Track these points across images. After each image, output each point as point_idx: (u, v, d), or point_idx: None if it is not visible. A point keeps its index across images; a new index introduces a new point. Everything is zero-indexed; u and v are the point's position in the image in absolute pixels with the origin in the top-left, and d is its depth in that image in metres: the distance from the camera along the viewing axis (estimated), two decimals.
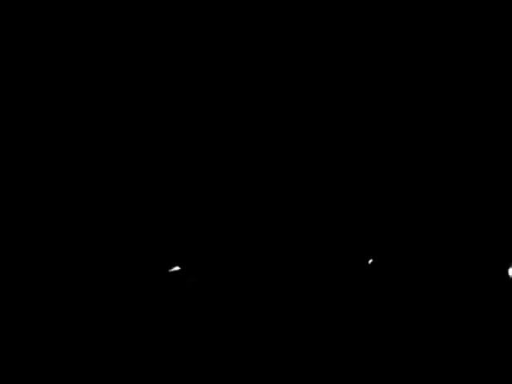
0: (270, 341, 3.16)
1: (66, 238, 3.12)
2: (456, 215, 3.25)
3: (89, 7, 3.36)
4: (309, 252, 3.49)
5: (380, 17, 3.21)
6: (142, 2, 3.34)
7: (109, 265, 3.16)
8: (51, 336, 2.88)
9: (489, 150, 3.12)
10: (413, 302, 3.12)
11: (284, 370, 3.07)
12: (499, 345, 2.78)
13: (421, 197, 3.28)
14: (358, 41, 3.22)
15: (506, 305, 2.94)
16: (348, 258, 3.41)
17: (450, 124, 3.24)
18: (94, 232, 3.16)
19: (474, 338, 2.89)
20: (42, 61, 3.32)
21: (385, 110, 3.24)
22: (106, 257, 3.19)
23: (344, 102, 3.27)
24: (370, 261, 3.38)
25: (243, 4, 3.36)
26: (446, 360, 2.86)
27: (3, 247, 3.01)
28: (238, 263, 3.34)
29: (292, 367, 3.08)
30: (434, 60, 3.21)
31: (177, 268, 3.42)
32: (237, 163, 3.50)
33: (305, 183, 3.44)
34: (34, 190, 3.14)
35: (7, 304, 2.86)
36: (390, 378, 2.91)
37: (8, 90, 3.19)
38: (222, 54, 3.40)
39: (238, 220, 3.45)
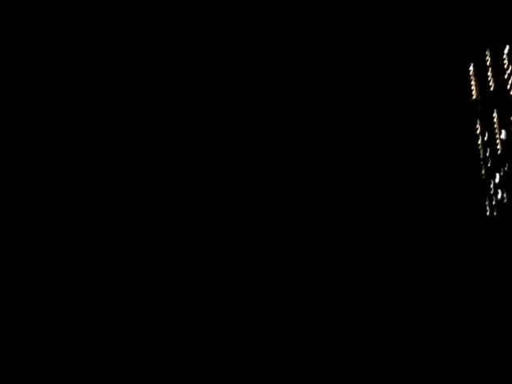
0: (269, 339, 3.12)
1: (66, 238, 3.09)
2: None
3: (90, 8, 3.36)
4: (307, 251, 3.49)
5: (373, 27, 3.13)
6: (142, 2, 3.34)
7: (108, 265, 3.14)
8: (51, 335, 2.81)
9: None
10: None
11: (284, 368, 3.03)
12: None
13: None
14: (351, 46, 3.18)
15: None
16: (347, 257, 3.39)
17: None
18: (93, 233, 3.15)
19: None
20: (43, 62, 3.31)
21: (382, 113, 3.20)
22: (105, 257, 3.16)
23: (343, 103, 3.23)
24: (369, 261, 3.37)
25: (244, 5, 3.38)
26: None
27: (4, 247, 2.97)
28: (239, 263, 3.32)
29: (292, 366, 3.05)
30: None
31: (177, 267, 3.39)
32: (237, 164, 3.52)
33: (301, 183, 3.44)
34: (34, 191, 3.09)
35: (7, 304, 2.80)
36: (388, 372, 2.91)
37: (8, 91, 3.15)
38: (222, 56, 3.42)
39: (238, 220, 3.46)
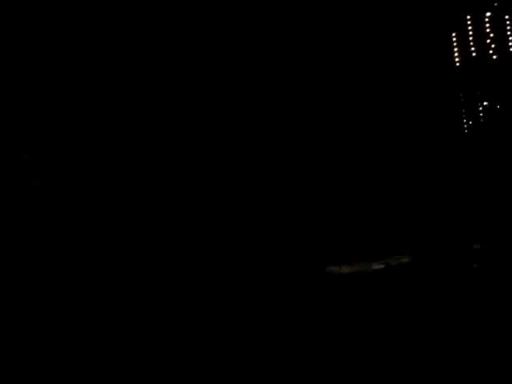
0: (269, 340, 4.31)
1: (70, 239, 4.31)
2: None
3: (90, 8, 4.47)
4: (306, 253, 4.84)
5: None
6: (142, 2, 4.40)
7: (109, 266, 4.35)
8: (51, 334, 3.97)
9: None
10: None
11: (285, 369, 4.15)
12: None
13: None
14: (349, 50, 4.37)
15: None
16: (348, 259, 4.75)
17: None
18: (92, 234, 4.41)
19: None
20: (44, 62, 4.47)
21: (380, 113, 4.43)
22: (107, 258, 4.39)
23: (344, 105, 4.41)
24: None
25: (244, 5, 4.66)
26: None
27: (4, 248, 4.21)
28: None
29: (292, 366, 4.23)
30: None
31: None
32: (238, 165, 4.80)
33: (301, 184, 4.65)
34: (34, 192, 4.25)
35: (7, 304, 4.05)
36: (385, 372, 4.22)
37: (8, 91, 4.24)
38: (222, 56, 4.71)
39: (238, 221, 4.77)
